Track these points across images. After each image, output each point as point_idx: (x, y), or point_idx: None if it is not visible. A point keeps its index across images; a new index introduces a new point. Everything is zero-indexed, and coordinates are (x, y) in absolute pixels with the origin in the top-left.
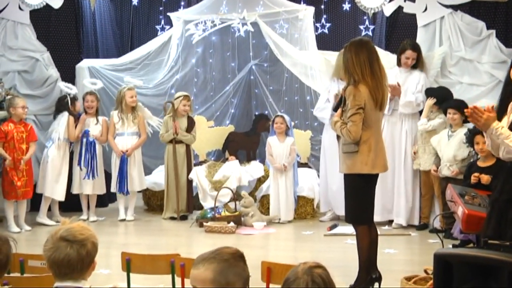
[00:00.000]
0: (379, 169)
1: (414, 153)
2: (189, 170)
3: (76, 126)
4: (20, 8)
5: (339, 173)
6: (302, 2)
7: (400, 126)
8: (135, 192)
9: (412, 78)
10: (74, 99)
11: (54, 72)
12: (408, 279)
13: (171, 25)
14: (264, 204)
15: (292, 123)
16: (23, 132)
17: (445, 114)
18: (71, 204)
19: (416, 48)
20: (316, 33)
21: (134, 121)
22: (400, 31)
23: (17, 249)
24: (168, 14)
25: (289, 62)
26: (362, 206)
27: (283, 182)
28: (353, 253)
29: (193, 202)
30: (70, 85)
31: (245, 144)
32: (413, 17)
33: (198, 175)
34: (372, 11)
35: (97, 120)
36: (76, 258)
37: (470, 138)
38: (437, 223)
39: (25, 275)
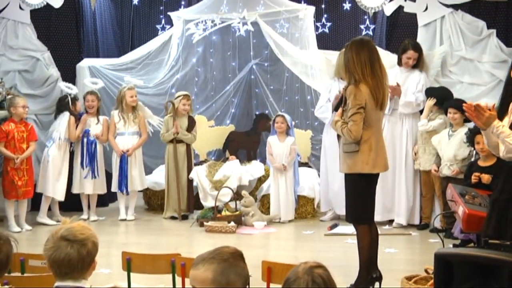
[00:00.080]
0: (380, 168)
1: (415, 153)
2: (189, 170)
3: (77, 126)
4: (20, 7)
5: (339, 172)
6: (302, 2)
7: (401, 126)
8: (136, 192)
9: (412, 77)
10: (74, 99)
11: (54, 72)
12: (409, 278)
13: (172, 25)
14: (264, 204)
15: (293, 123)
16: (24, 132)
17: (446, 114)
18: (72, 204)
19: (418, 49)
20: (317, 33)
21: (135, 121)
22: (400, 31)
23: (17, 248)
24: (169, 13)
25: (289, 62)
26: (362, 205)
27: (283, 181)
28: (354, 252)
29: (194, 202)
30: (70, 85)
31: (246, 143)
32: (413, 16)
33: (199, 174)
34: (373, 11)
35: (98, 120)
36: (76, 258)
37: (471, 138)
38: (437, 223)
39: (25, 274)
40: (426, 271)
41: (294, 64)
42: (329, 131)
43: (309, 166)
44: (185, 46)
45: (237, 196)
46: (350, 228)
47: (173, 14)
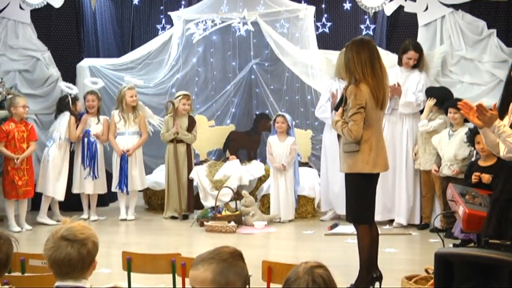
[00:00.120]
0: (380, 168)
1: (415, 154)
2: (189, 170)
3: (77, 126)
4: (21, 7)
5: (340, 173)
6: (303, 2)
7: (401, 126)
8: (136, 192)
9: (412, 77)
10: (75, 99)
11: (55, 72)
12: (409, 278)
13: (172, 24)
14: (264, 204)
15: (293, 123)
16: (24, 132)
17: (446, 114)
18: (72, 204)
19: (418, 49)
20: (317, 33)
21: (135, 121)
22: (401, 31)
23: (18, 248)
24: (169, 13)
25: (290, 62)
26: (363, 205)
27: (283, 181)
28: (354, 252)
29: (194, 202)
30: (71, 85)
31: (246, 143)
32: (414, 16)
33: (199, 174)
34: (373, 11)
35: (98, 120)
36: (76, 258)
37: (471, 138)
38: (438, 223)
39: (26, 274)
40: (426, 271)
41: (294, 64)
42: (330, 131)
43: (310, 166)
44: (186, 46)
45: (237, 196)
46: (350, 228)
47: (173, 14)
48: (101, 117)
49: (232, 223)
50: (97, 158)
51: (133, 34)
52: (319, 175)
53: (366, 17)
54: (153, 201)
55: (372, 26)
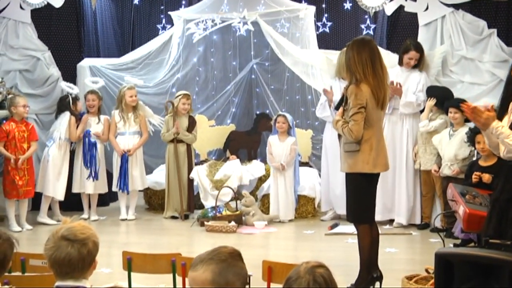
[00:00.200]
0: (380, 168)
1: (415, 154)
2: (190, 169)
3: (77, 126)
4: (21, 7)
5: (341, 175)
6: (303, 1)
7: (401, 125)
8: (137, 191)
9: (412, 77)
10: (75, 98)
11: (55, 71)
12: (409, 278)
13: (172, 24)
14: (265, 203)
15: (294, 123)
16: (25, 131)
17: (447, 113)
18: (72, 203)
19: (419, 49)
20: (317, 32)
21: (136, 120)
22: (401, 30)
23: (17, 248)
24: (169, 13)
25: (290, 61)
26: (363, 205)
27: (282, 181)
28: (354, 252)
29: (194, 202)
30: (72, 85)
31: (246, 143)
32: (414, 16)
33: (199, 174)
34: (373, 10)
35: (99, 119)
36: (77, 257)
37: (471, 137)
38: (438, 222)
39: (26, 274)
40: (426, 270)
41: (294, 64)
42: (330, 130)
43: (310, 166)
44: (186, 45)
45: (237, 195)
46: (350, 228)
47: (173, 14)
48: (102, 117)
49: (233, 223)
50: (98, 159)
51: (134, 34)
52: (319, 175)
53: (366, 16)
54: (154, 201)
55: (373, 26)
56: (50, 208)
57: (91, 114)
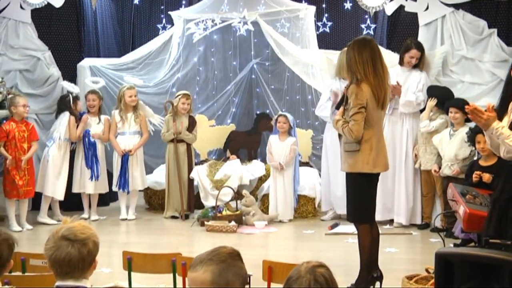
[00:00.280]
0: (381, 168)
1: (415, 155)
2: (190, 169)
3: (77, 126)
4: (21, 7)
5: (341, 173)
6: (303, 1)
7: (401, 125)
8: (137, 191)
9: (413, 77)
10: (76, 98)
11: (55, 71)
12: (410, 278)
13: (173, 24)
14: (265, 203)
15: (295, 123)
16: (25, 131)
17: (447, 113)
18: (72, 203)
19: (420, 48)
20: (318, 32)
21: (136, 120)
22: (401, 30)
23: (16, 248)
24: (169, 13)
25: (290, 61)
26: (363, 205)
27: (281, 181)
28: (355, 252)
29: (194, 201)
30: (73, 85)
31: (246, 143)
32: (414, 16)
33: (200, 174)
34: (374, 10)
35: (99, 119)
36: (77, 257)
37: (472, 137)
38: (438, 222)
39: (26, 274)
40: (427, 270)
41: (295, 64)
42: (331, 130)
43: (310, 166)
44: (186, 45)
45: (237, 195)
46: (350, 228)
47: (173, 14)
48: (102, 117)
49: (233, 223)
50: (97, 160)
51: (134, 34)
52: (319, 174)
53: (366, 16)
54: (154, 201)
55: (373, 26)
56: (50, 208)
57: (91, 114)
